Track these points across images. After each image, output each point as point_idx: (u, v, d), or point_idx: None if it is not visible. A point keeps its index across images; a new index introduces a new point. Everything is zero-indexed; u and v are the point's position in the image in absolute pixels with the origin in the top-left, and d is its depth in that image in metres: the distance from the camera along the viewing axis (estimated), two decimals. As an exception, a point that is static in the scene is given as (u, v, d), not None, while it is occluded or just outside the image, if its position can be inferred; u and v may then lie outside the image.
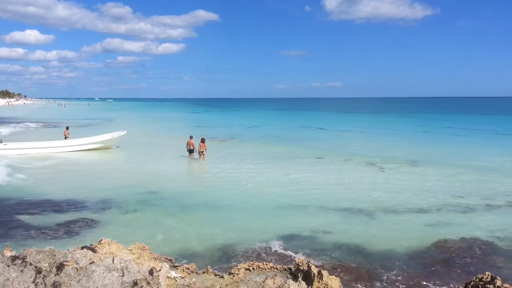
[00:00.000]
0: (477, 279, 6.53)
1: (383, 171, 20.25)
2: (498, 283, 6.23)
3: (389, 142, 33.84)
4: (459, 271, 8.63)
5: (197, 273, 7.13)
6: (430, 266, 8.82)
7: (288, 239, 10.49)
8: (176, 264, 7.67)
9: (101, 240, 7.29)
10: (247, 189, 16.29)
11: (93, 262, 5.70)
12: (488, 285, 6.12)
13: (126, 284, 5.19)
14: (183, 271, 7.08)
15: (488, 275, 6.53)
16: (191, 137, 24.03)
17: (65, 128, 32.13)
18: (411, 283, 8.06)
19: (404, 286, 7.91)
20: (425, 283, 8.04)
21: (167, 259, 7.90)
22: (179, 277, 6.20)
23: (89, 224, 11.62)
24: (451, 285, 7.68)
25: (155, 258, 7.49)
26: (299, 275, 6.27)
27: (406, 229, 11.37)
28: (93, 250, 6.63)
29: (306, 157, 24.87)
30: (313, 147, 30.09)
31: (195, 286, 4.42)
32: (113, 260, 5.57)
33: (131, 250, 7.30)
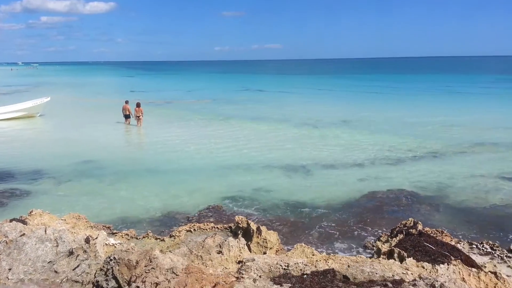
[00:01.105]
0: (402, 225, 7.18)
1: (318, 129, 21.02)
2: (420, 227, 6.90)
3: (324, 103, 34.92)
4: (387, 218, 9.35)
5: (137, 238, 7.10)
6: (361, 216, 9.47)
7: (230, 199, 10.68)
8: (114, 231, 7.57)
9: (32, 211, 6.96)
10: (187, 152, 16.20)
11: (23, 234, 5.45)
12: (411, 229, 6.76)
13: (61, 254, 5.05)
14: (122, 237, 7.00)
15: (411, 221, 7.20)
16: (126, 102, 23.13)
17: None
18: (344, 231, 8.64)
19: (337, 234, 8.47)
20: (357, 231, 8.65)
21: (105, 227, 7.75)
22: (118, 244, 6.14)
23: (19, 195, 10.99)
24: (380, 232, 8.33)
25: (91, 227, 7.32)
26: (239, 233, 6.48)
27: (341, 183, 12.04)
28: (24, 222, 6.32)
29: (245, 119, 25.05)
30: (252, 109, 30.36)
31: (133, 251, 4.40)
32: (45, 231, 5.36)
33: (65, 220, 7.06)
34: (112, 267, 4.44)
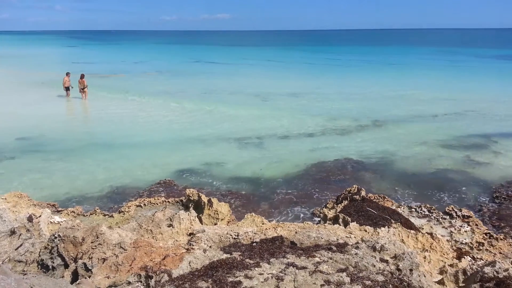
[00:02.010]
0: (346, 192, 7.53)
1: (269, 102, 21.18)
2: (363, 193, 7.26)
3: (275, 75, 35.03)
4: (334, 186, 9.75)
5: (84, 215, 6.93)
6: (311, 185, 9.81)
7: (182, 173, 10.62)
8: (60, 209, 7.32)
9: (-34, 191, 6.55)
10: (136, 127, 15.78)
11: (-42, 215, 5.14)
12: (355, 196, 7.11)
13: (2, 234, 4.82)
14: (68, 215, 6.80)
15: (355, 188, 7.56)
16: (67, 74, 21.90)
17: None
18: (294, 200, 8.93)
19: (288, 204, 8.74)
20: (306, 199, 8.97)
21: (50, 204, 7.48)
22: (63, 221, 5.95)
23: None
24: (327, 199, 8.69)
25: (35, 205, 7.03)
26: (190, 206, 6.50)
27: (291, 154, 12.32)
28: (-43, 203, 5.94)
29: (195, 91, 24.66)
30: (203, 81, 29.87)
31: (78, 227, 4.29)
32: (-18, 211, 5.08)
33: (5, 198, 6.72)
34: (57, 245, 4.32)
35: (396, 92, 24.09)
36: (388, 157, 12.02)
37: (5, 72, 35.32)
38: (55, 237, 4.43)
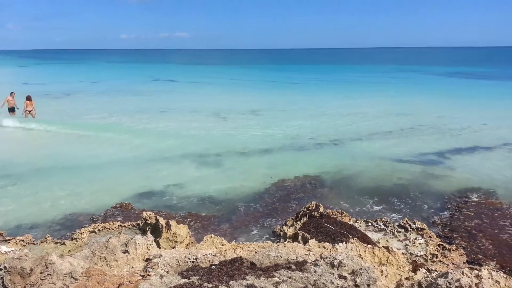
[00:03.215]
0: (305, 208, 7.61)
1: (227, 120, 21.31)
2: (321, 209, 7.37)
3: (234, 93, 35.26)
4: (294, 203, 9.82)
5: (34, 244, 6.57)
6: (271, 204, 9.82)
7: (139, 196, 10.35)
8: (7, 238, 6.91)
9: None
10: (90, 148, 15.29)
11: None
12: (314, 212, 7.20)
13: None
14: (16, 244, 6.43)
15: (314, 204, 7.66)
16: (11, 94, 20.98)
17: None
18: (255, 219, 8.89)
19: (248, 223, 8.69)
20: (266, 218, 8.96)
21: (-4, 234, 7.03)
22: (10, 251, 5.62)
23: None
24: (287, 217, 8.73)
25: (-21, 235, 6.59)
26: (147, 229, 6.33)
27: (251, 172, 12.34)
28: None
29: (154, 110, 24.36)
30: (162, 100, 29.62)
31: (26, 257, 4.06)
32: None
33: None
34: (2, 278, 4.06)
35: (353, 109, 24.86)
36: (346, 173, 12.29)
37: None
38: (1, 269, 4.16)
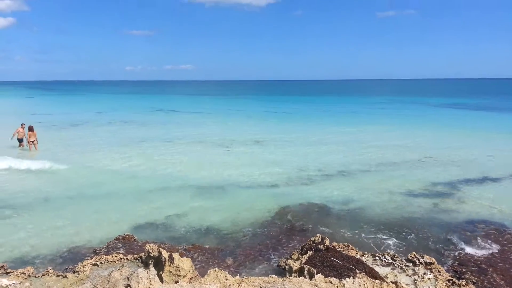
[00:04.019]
0: (311, 241, 7.48)
1: (231, 150, 21.28)
2: (327, 242, 7.24)
3: (237, 123, 35.52)
4: (299, 235, 9.67)
5: (35, 276, 6.44)
6: (275, 236, 9.67)
7: (142, 227, 10.24)
8: (9, 271, 6.79)
9: None
10: (93, 179, 15.19)
11: None
12: (319, 245, 7.07)
13: None
14: (18, 276, 6.31)
15: (319, 237, 7.53)
16: (22, 125, 21.33)
17: None
18: (259, 252, 8.73)
19: (252, 256, 8.52)
20: (271, 251, 8.80)
21: (-3, 266, 6.91)
22: (11, 284, 5.51)
23: None
24: (292, 249, 8.57)
25: (-21, 268, 6.49)
26: (150, 262, 6.21)
27: (255, 203, 12.20)
28: None
29: (157, 140, 24.46)
30: (165, 130, 29.79)
31: (27, 293, 3.97)
32: None
33: None
34: (1, 314, 3.96)
35: (357, 140, 24.84)
36: (352, 204, 12.16)
37: None
38: (0, 305, 4.07)
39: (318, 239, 7.03)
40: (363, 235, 9.79)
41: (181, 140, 24.80)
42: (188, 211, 11.47)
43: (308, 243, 7.12)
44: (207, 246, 9.08)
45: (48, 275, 6.44)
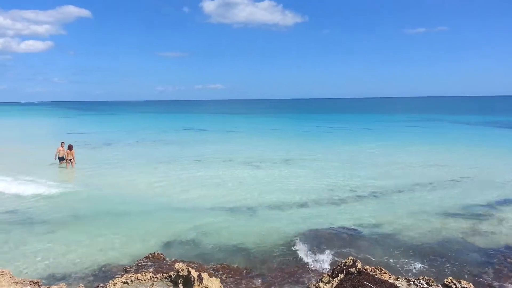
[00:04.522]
0: (342, 264, 7.27)
1: (260, 169, 21.18)
2: (359, 265, 7.01)
3: (266, 142, 35.49)
4: (329, 257, 9.44)
5: (67, 294, 6.55)
6: (304, 258, 9.49)
7: (171, 247, 10.29)
8: (43, 287, 6.94)
9: None
10: (125, 197, 15.47)
11: None
12: (351, 268, 6.86)
13: (-23, 319, 4.50)
14: (51, 294, 6.43)
15: (351, 259, 7.31)
16: (61, 144, 22.24)
17: None
18: (288, 273, 8.59)
19: (281, 278, 8.38)
20: (301, 272, 8.63)
21: (33, 282, 7.09)
22: (45, 302, 5.62)
23: None
24: (323, 271, 8.38)
25: (16, 283, 6.67)
26: (179, 281, 6.20)
27: (284, 223, 12.07)
28: None
29: (187, 159, 24.73)
30: (195, 149, 30.09)
31: (61, 310, 4.03)
32: (-42, 293, 4.79)
33: (-16, 278, 6.37)
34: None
35: (389, 159, 24.22)
36: (385, 226, 11.80)
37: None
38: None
39: (350, 261, 6.83)
40: (396, 258, 9.46)
41: (210, 159, 24.98)
42: (216, 230, 11.47)
43: (339, 266, 6.93)
44: (235, 266, 9.01)
45: (80, 292, 6.53)
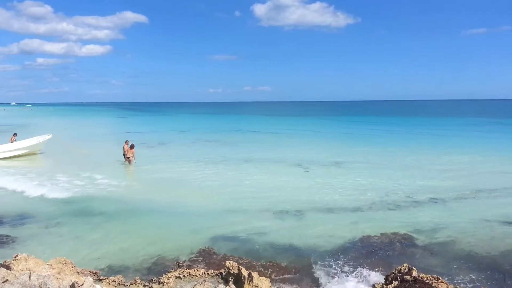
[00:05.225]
0: (396, 271, 7.03)
1: (309, 171, 20.97)
2: (414, 273, 6.75)
3: (316, 144, 35.17)
4: (381, 263, 9.17)
5: (124, 285, 6.85)
6: (355, 261, 9.28)
7: (221, 243, 10.46)
8: (101, 278, 7.30)
9: (17, 256, 6.73)
10: (179, 194, 16.00)
11: (6, 280, 5.25)
12: (406, 276, 6.62)
13: (45, 303, 4.83)
14: (109, 284, 6.76)
15: (406, 267, 7.05)
16: (126, 142, 23.50)
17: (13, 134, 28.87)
18: (338, 277, 8.43)
19: (331, 281, 8.25)
20: (351, 278, 8.44)
21: (92, 272, 7.49)
22: (105, 291, 5.91)
23: (5, 241, 10.65)
24: (374, 277, 8.15)
25: (78, 272, 7.07)
26: (230, 279, 6.29)
27: (333, 227, 11.86)
28: (7, 267, 6.10)
29: (236, 160, 25.02)
30: (244, 150, 30.38)
31: (120, 299, 4.23)
32: (30, 277, 5.17)
33: (51, 265, 6.82)
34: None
35: (447, 164, 23.00)
36: (443, 233, 11.22)
37: (68, 139, 37.11)
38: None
39: (405, 269, 6.59)
40: (453, 268, 9.00)
41: (260, 159, 25.11)
42: (265, 229, 11.51)
43: (393, 273, 6.70)
44: (284, 265, 9.00)
45: (135, 284, 6.81)
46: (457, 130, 49.76)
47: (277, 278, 8.25)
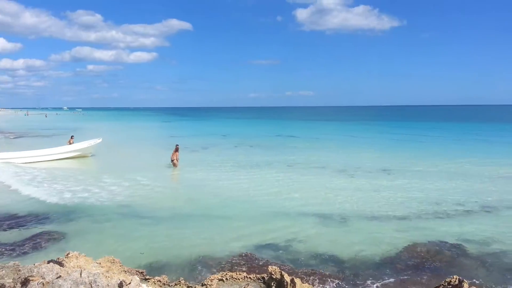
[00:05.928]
0: (446, 283, 6.68)
1: (354, 178, 20.48)
2: (466, 286, 6.39)
3: (358, 149, 34.31)
4: (429, 275, 8.80)
5: (169, 285, 6.99)
6: (401, 272, 8.96)
7: (263, 247, 10.44)
8: (147, 277, 7.49)
9: (69, 253, 7.05)
10: (221, 197, 16.15)
11: (60, 276, 5.50)
12: (456, 288, 6.27)
13: (95, 299, 5.01)
14: (155, 283, 6.92)
15: (456, 279, 6.69)
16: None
17: (70, 136, 30.89)
18: (383, 287, 8.17)
19: (376, 292, 8.01)
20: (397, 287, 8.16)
21: (138, 271, 7.70)
22: (150, 290, 6.05)
23: (56, 238, 11.21)
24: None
25: (125, 271, 7.29)
26: (272, 284, 6.25)
27: (378, 235, 11.51)
28: (60, 264, 6.40)
29: (279, 165, 24.89)
30: (286, 155, 30.16)
31: (166, 299, 4.30)
32: (80, 274, 5.38)
33: (100, 263, 7.08)
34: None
35: (503, 173, 21.68)
36: (495, 245, 10.60)
37: (117, 142, 38.70)
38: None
39: (455, 281, 6.25)
40: (505, 281, 8.46)
41: (303, 165, 24.87)
42: (308, 236, 11.36)
43: (442, 284, 6.38)
44: (327, 273, 8.83)
45: (180, 285, 6.92)
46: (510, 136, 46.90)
47: (321, 286, 8.10)
